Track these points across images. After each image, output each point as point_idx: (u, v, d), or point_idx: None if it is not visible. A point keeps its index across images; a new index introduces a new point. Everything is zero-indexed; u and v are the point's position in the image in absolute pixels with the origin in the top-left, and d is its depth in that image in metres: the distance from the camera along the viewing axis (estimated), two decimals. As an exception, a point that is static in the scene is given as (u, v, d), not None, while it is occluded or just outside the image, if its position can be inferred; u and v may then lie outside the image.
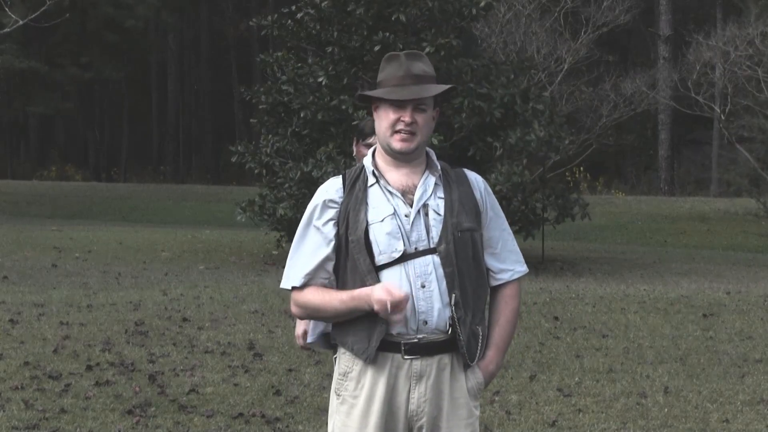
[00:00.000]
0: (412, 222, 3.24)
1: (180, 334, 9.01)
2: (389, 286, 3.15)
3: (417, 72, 3.28)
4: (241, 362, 8.00)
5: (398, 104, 3.26)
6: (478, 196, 3.36)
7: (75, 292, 11.60)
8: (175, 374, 7.52)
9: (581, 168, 31.96)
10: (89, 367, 7.55)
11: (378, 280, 3.19)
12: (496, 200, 3.42)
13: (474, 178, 3.41)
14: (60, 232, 20.42)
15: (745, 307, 11.53)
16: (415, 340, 3.21)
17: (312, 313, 3.36)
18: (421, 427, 3.25)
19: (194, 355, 8.21)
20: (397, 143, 3.27)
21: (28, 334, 8.70)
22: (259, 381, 7.42)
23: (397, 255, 3.21)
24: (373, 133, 4.00)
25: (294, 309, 3.39)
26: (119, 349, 8.26)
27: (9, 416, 6.24)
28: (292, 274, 3.35)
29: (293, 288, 3.35)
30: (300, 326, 4.27)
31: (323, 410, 6.47)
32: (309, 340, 4.31)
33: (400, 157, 3.30)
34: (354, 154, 4.63)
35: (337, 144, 15.17)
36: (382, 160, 3.35)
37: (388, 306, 3.12)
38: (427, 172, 3.33)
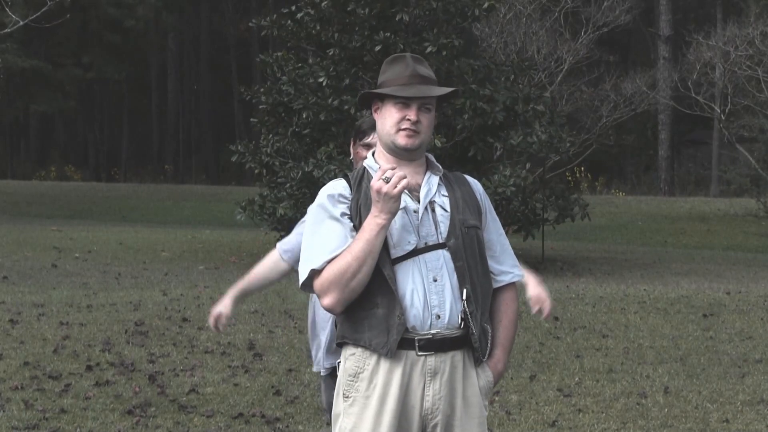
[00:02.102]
0: (421, 217, 3.26)
1: (180, 334, 9.02)
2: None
3: (423, 73, 3.33)
4: (241, 362, 8.00)
5: (405, 103, 3.29)
6: (478, 197, 3.41)
7: (75, 292, 11.60)
8: (175, 374, 7.52)
9: (581, 168, 31.96)
10: (89, 367, 7.55)
11: (394, 273, 3.19)
12: (491, 205, 3.48)
13: (472, 180, 3.46)
14: (60, 232, 20.42)
15: (745, 307, 11.54)
16: (429, 336, 3.20)
17: (339, 282, 3.16)
18: (435, 426, 3.24)
19: (194, 355, 8.22)
20: (402, 140, 3.29)
21: (28, 334, 8.70)
22: (259, 381, 7.42)
23: (409, 248, 3.22)
24: (372, 129, 3.99)
25: (325, 300, 3.21)
26: (119, 349, 8.26)
27: (9, 416, 6.24)
28: (311, 259, 3.22)
29: (312, 273, 3.21)
30: (218, 306, 4.20)
31: (323, 410, 6.47)
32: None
33: (403, 155, 3.32)
34: (351, 156, 4.35)
35: (337, 144, 15.18)
36: (384, 161, 3.35)
37: (385, 177, 3.11)
38: (429, 173, 3.37)
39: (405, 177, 3.14)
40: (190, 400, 6.81)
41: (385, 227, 3.15)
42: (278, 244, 4.23)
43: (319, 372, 4.42)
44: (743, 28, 28.97)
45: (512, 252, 3.49)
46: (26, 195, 32.74)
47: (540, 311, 3.73)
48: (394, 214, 3.16)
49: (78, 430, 6.09)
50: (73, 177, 42.12)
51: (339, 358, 3.52)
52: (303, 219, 4.23)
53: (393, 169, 3.18)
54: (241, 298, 4.27)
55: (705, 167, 38.32)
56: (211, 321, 4.21)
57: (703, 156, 39.10)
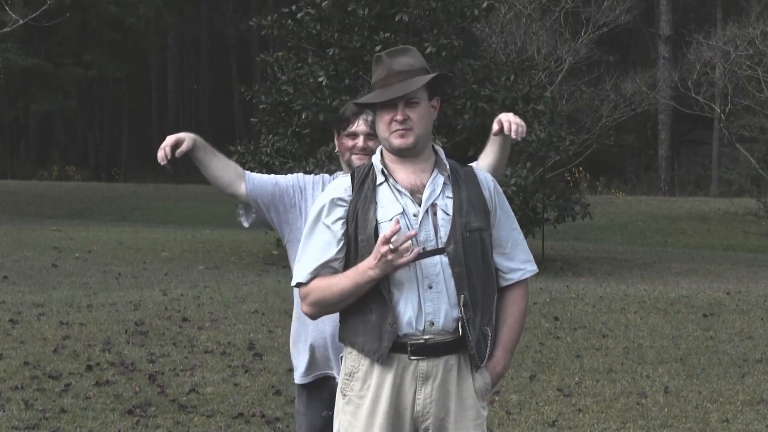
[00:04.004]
0: (421, 221, 3.21)
1: (180, 334, 9.02)
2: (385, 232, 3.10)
3: (400, 68, 3.25)
4: (241, 362, 8.00)
5: (388, 104, 3.24)
6: (487, 195, 3.32)
7: (75, 292, 11.60)
8: (175, 374, 7.52)
9: (581, 168, 31.94)
10: (89, 367, 7.55)
11: (388, 280, 3.18)
12: (505, 199, 3.40)
13: (483, 176, 3.37)
14: (60, 232, 20.42)
15: (745, 307, 11.54)
16: (422, 341, 3.18)
17: (321, 303, 3.25)
18: (427, 428, 3.23)
19: (194, 355, 8.22)
20: (395, 140, 3.25)
21: (28, 334, 8.70)
22: (259, 381, 7.42)
23: None
24: (356, 116, 3.82)
25: (304, 307, 3.31)
26: (119, 349, 8.26)
27: (9, 416, 6.24)
28: (299, 271, 3.29)
29: (299, 285, 3.28)
30: (181, 134, 3.79)
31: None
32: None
33: (402, 154, 3.28)
34: (336, 150, 3.96)
35: (338, 144, 15.18)
36: (389, 159, 3.32)
37: (390, 245, 3.06)
38: (435, 171, 3.30)
39: (413, 255, 3.11)
40: (190, 400, 6.81)
41: (376, 280, 3.15)
42: (249, 173, 3.92)
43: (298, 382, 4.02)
44: (743, 28, 28.96)
45: (525, 247, 3.41)
46: (26, 195, 32.73)
47: (501, 127, 3.55)
48: (388, 273, 3.14)
49: (78, 430, 6.09)
50: (74, 177, 42.10)
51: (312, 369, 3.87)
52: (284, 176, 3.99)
53: (399, 230, 3.09)
54: (198, 149, 3.83)
55: (705, 167, 38.31)
56: (170, 140, 3.74)
57: (703, 156, 39.10)
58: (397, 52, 3.29)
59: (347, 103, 3.98)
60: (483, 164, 3.80)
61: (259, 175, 3.96)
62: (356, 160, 3.80)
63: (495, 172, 3.80)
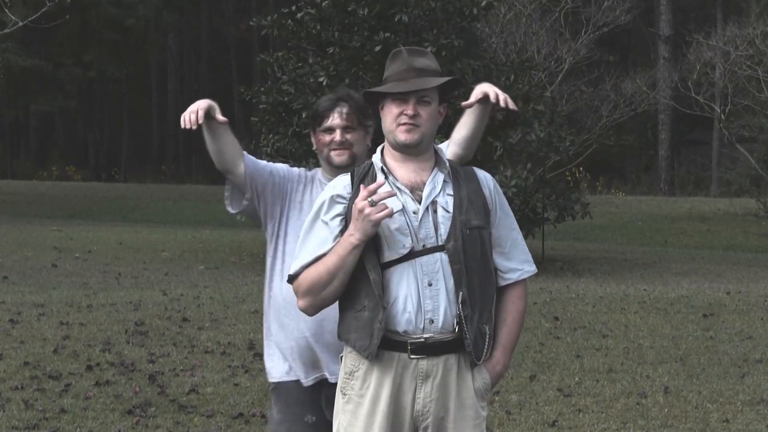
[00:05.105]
0: (420, 219, 3.21)
1: (180, 334, 9.02)
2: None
3: (419, 66, 3.28)
4: (241, 362, 8.00)
5: (401, 97, 3.25)
6: (487, 194, 3.33)
7: (75, 292, 11.60)
8: (175, 374, 7.52)
9: (581, 168, 31.95)
10: (89, 367, 7.55)
11: (381, 277, 3.18)
12: (505, 199, 3.40)
13: (483, 176, 3.38)
14: (60, 232, 20.42)
15: (745, 307, 11.54)
16: (422, 340, 3.18)
17: (312, 289, 3.23)
18: (426, 428, 3.23)
19: (194, 355, 8.22)
20: (401, 135, 3.25)
21: (28, 334, 8.70)
22: (259, 381, 7.42)
23: (404, 251, 3.19)
24: (329, 110, 3.77)
25: (299, 302, 3.29)
26: (119, 349, 8.26)
27: (9, 416, 6.24)
28: (293, 266, 3.29)
29: (291, 279, 3.28)
30: (203, 102, 3.69)
31: None
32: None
33: (405, 151, 3.28)
34: (314, 147, 3.86)
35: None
36: (390, 157, 3.32)
37: (371, 200, 3.08)
38: (436, 169, 3.31)
39: (391, 210, 3.11)
40: (190, 400, 6.81)
41: (358, 247, 3.15)
42: (246, 154, 3.81)
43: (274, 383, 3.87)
44: (743, 28, 28.97)
45: (525, 247, 3.41)
46: (26, 195, 32.73)
47: (485, 97, 3.48)
48: (369, 237, 3.14)
49: (78, 430, 6.09)
50: (74, 177, 42.09)
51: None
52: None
53: (382, 185, 3.16)
54: (212, 120, 3.69)
55: (705, 167, 38.32)
56: (203, 104, 3.65)
57: (703, 156, 39.10)
58: (418, 51, 3.32)
59: (320, 99, 3.91)
60: (458, 137, 3.76)
61: (255, 159, 3.86)
62: (335, 156, 3.76)
63: (470, 145, 3.74)
